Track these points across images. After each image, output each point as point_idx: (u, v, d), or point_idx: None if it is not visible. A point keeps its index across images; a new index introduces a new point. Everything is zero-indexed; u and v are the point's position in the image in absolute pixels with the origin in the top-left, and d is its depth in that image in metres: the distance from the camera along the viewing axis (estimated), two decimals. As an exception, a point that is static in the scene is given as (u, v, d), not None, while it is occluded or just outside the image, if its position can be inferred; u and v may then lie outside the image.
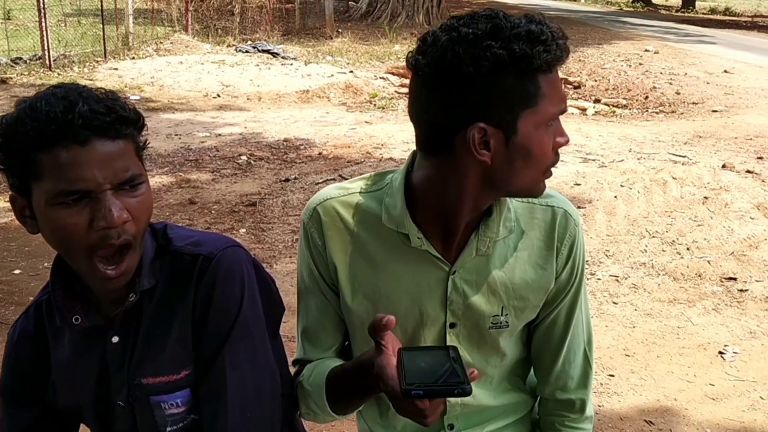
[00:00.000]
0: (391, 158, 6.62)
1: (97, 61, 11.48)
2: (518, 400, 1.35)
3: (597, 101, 10.01)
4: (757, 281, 4.28)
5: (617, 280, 4.35)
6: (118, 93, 1.10)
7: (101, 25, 12.02)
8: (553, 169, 1.14)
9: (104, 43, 11.85)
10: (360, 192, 1.24)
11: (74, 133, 0.99)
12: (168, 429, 1.19)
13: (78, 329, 1.16)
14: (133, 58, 11.91)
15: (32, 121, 0.99)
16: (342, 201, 1.23)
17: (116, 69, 11.02)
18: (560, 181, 5.63)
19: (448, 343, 1.23)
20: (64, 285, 1.16)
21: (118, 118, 1.03)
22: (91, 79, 10.36)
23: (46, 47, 10.83)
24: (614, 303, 4.08)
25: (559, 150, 1.13)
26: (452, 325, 1.23)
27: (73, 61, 11.34)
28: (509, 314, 1.23)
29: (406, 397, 0.94)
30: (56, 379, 1.22)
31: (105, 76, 10.62)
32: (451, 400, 1.27)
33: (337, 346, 1.30)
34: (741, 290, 4.19)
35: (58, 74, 10.63)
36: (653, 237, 4.86)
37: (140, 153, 1.09)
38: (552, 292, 1.24)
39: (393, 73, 11.15)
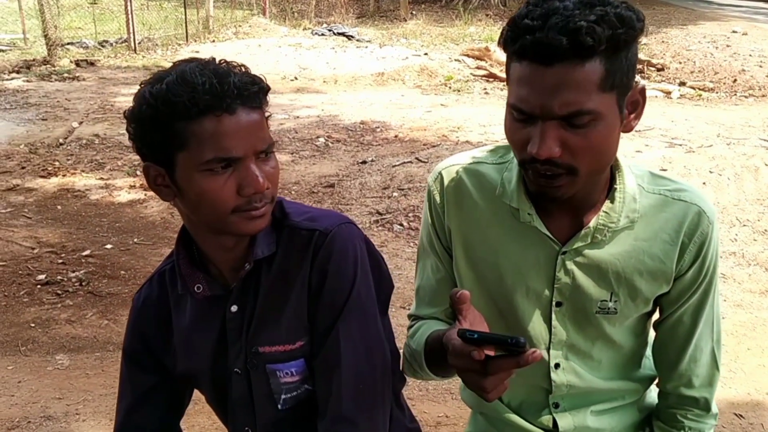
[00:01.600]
0: (467, 141, 6.57)
1: (179, 44, 11.80)
2: (628, 387, 1.32)
3: (682, 84, 9.64)
4: None
5: (705, 270, 4.20)
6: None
7: (183, 9, 12.33)
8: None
9: (186, 26, 12.15)
10: (485, 162, 1.26)
11: (227, 103, 1.05)
12: (283, 396, 1.23)
13: (199, 297, 1.21)
14: (214, 41, 12.19)
15: (187, 91, 1.03)
16: (467, 168, 1.26)
17: (198, 52, 11.28)
18: (645, 166, 5.47)
19: (554, 321, 1.23)
20: (188, 255, 1.22)
21: (260, 88, 1.09)
22: (174, 62, 10.65)
23: (131, 30, 11.19)
24: (702, 293, 3.95)
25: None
26: (558, 304, 1.22)
27: (157, 44, 11.69)
28: (618, 301, 1.20)
29: (461, 338, 0.93)
30: (176, 344, 1.28)
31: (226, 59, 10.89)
32: (558, 380, 1.26)
33: (447, 306, 1.31)
34: (840, 283, 4.00)
35: (143, 56, 10.98)
36: (744, 226, 4.67)
37: (268, 123, 1.15)
38: (677, 289, 1.21)
39: (468, 56, 11.01)
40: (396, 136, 6.99)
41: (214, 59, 1.11)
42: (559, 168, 1.05)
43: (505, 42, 1.03)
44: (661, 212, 1.18)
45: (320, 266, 1.17)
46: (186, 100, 1.03)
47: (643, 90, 1.08)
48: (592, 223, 1.16)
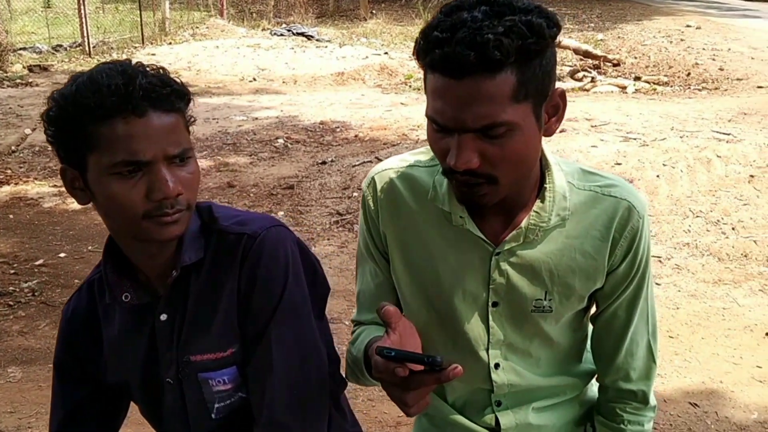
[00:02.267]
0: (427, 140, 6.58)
1: (135, 47, 11.63)
2: (568, 383, 1.33)
3: (637, 79, 9.79)
4: (805, 261, 4.18)
5: (660, 261, 4.27)
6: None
7: (138, 11, 12.16)
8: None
9: (141, 29, 12.00)
10: (418, 165, 1.25)
11: (134, 104, 1.02)
12: (216, 405, 1.21)
13: (127, 306, 1.19)
14: (170, 43, 12.04)
15: (93, 93, 1.02)
16: (399, 172, 1.25)
17: (154, 54, 11.13)
18: (600, 161, 5.54)
19: (491, 321, 1.24)
20: (115, 263, 1.19)
21: (173, 91, 1.07)
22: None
23: (85, 34, 11.01)
24: (657, 284, 4.01)
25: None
26: (494, 304, 1.22)
27: (112, 48, 11.51)
28: (553, 299, 1.21)
29: (379, 355, 0.95)
30: (107, 355, 1.25)
31: (143, 62, 10.75)
32: (498, 380, 1.27)
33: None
34: (789, 271, 4.09)
35: (98, 60, 10.74)
36: (697, 217, 4.76)
37: (188, 128, 1.12)
38: (610, 283, 1.22)
39: (428, 54, 11.04)
40: (356, 136, 6.98)
41: (129, 61, 1.09)
42: (479, 178, 1.05)
43: (417, 54, 1.03)
44: (592, 209, 1.18)
45: (249, 271, 1.15)
46: (92, 102, 1.02)
47: (562, 94, 1.08)
48: (523, 224, 1.16)
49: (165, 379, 1.21)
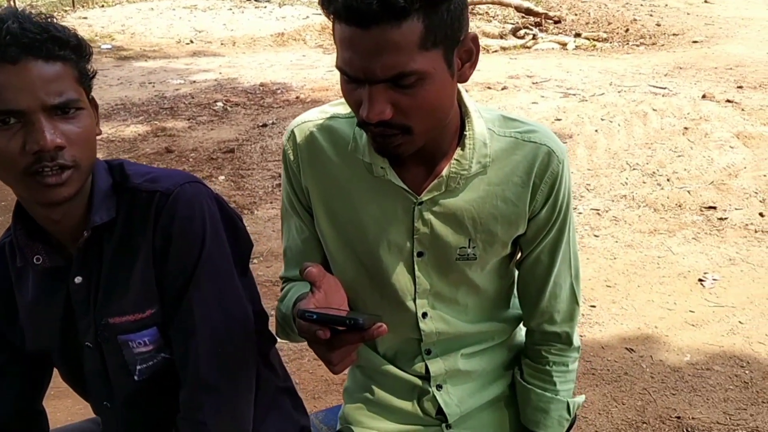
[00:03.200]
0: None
1: (66, 11, 11.17)
2: (496, 328, 1.34)
3: (577, 35, 9.88)
4: (736, 209, 4.31)
5: (598, 214, 4.36)
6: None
7: (67, -28, 11.66)
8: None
9: (71, -9, 11.51)
10: (338, 116, 1.22)
11: (3, 50, 0.97)
12: (138, 367, 1.18)
13: (40, 270, 1.15)
14: (103, 5, 11.60)
15: None
16: (319, 124, 1.22)
17: (85, 18, 10.72)
18: (541, 116, 5.59)
19: (417, 271, 1.23)
20: (26, 226, 1.13)
21: (50, 37, 1.00)
22: None
23: (10, -3, 10.51)
24: (595, 236, 4.10)
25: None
26: (419, 254, 1.21)
27: (41, 12, 11.01)
28: (477, 247, 1.21)
29: (301, 318, 0.94)
30: (23, 321, 1.21)
31: (74, 26, 10.22)
32: (426, 329, 1.27)
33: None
34: (720, 219, 4.22)
35: (25, 25, 10.34)
36: (634, 169, 4.86)
37: (85, 82, 1.06)
38: (532, 229, 1.22)
39: (370, 14, 10.91)
40: (297, 98, 6.87)
41: (10, 6, 1.02)
42: (393, 128, 1.02)
43: (321, 4, 0.99)
44: (513, 155, 1.17)
45: (163, 230, 1.11)
46: None
47: (475, 38, 1.05)
48: (444, 172, 1.15)
49: (84, 344, 1.18)
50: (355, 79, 1.00)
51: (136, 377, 1.18)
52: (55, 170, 1.01)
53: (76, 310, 1.16)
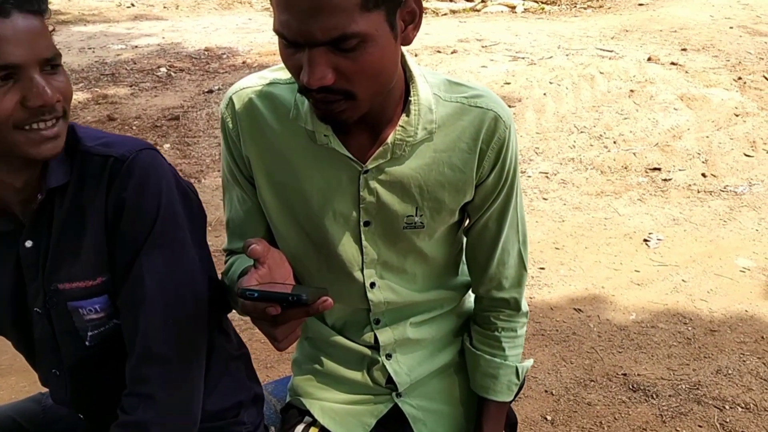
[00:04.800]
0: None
1: (-4, -28, 10.65)
2: (445, 296, 1.33)
3: (526, -2, 9.89)
4: (680, 170, 4.41)
5: (547, 177, 4.40)
6: None
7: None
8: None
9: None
10: (278, 83, 1.17)
11: (1, 5, 0.95)
12: (89, 333, 1.15)
13: None
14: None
15: None
16: (258, 91, 1.17)
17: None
18: (491, 80, 5.59)
19: (364, 241, 1.21)
20: None
21: None
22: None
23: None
24: (544, 199, 4.14)
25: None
26: (366, 223, 1.19)
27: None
28: (424, 215, 1.19)
29: (241, 297, 0.91)
30: None
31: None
32: (374, 299, 1.25)
33: (261, 236, 1.25)
34: (665, 180, 4.31)
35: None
36: (581, 132, 4.91)
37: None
38: (480, 195, 1.20)
39: (317, -24, 10.70)
40: (244, 62, 6.72)
41: None
42: (335, 94, 0.99)
43: None
44: (459, 120, 1.15)
45: (116, 196, 1.07)
46: None
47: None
48: (389, 139, 1.12)
49: (33, 309, 1.14)
50: (293, 42, 0.95)
51: (87, 343, 1.15)
52: (51, 123, 1.01)
53: (25, 274, 1.13)
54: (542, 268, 3.43)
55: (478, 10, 9.24)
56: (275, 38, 0.99)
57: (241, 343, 1.40)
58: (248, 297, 0.90)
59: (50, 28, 1.04)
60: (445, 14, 8.91)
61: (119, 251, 1.10)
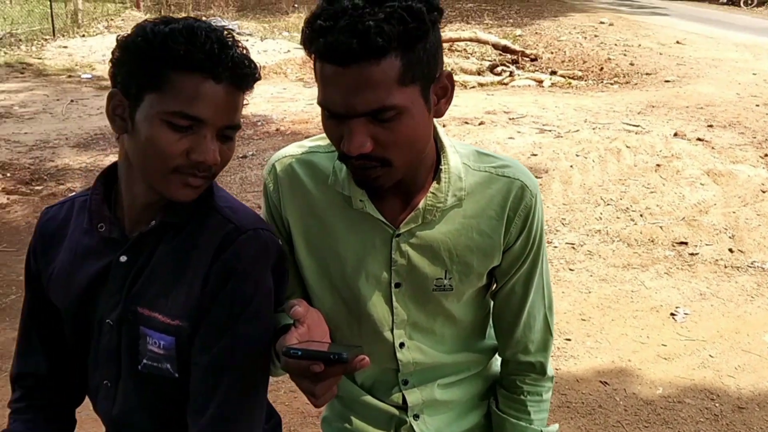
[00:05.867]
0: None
1: (46, 39, 11.17)
2: (472, 359, 1.37)
3: (553, 73, 10.09)
4: (706, 245, 4.41)
5: (573, 248, 4.43)
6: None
7: (49, 2, 11.66)
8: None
9: (52, 20, 11.53)
10: (317, 151, 1.26)
11: (219, 71, 1.06)
12: (144, 361, 1.20)
13: (97, 236, 1.19)
14: (83, 35, 11.61)
15: (187, 43, 1.04)
16: (299, 159, 1.26)
17: (66, 47, 10.72)
18: (517, 151, 5.68)
19: (394, 302, 1.26)
20: (104, 193, 1.20)
21: (252, 73, 1.11)
22: (40, 58, 10.07)
23: (-10, 25, 10.49)
24: (570, 270, 4.16)
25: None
26: (397, 285, 1.25)
27: (20, 40, 11.02)
28: (453, 278, 1.24)
29: (286, 356, 0.98)
30: (56, 273, 1.25)
31: (54, 55, 10.33)
32: (404, 359, 1.29)
33: (297, 296, 1.31)
34: (692, 254, 4.31)
35: (5, 53, 10.30)
36: (608, 204, 4.95)
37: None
38: (507, 260, 1.25)
39: (350, 48, 11.04)
40: (277, 130, 6.92)
41: (224, 27, 1.11)
42: (372, 161, 1.07)
43: (304, 43, 1.04)
44: (487, 189, 1.21)
45: (227, 262, 1.14)
46: (182, 50, 1.04)
47: (450, 76, 1.11)
48: (420, 205, 1.19)
49: (105, 320, 1.20)
50: (336, 114, 1.04)
51: (139, 367, 1.20)
52: (200, 177, 1.11)
53: (109, 284, 1.19)
54: (568, 339, 3.42)
55: (506, 84, 9.45)
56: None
57: (271, 405, 1.44)
58: (292, 355, 0.97)
59: (246, 102, 1.15)
60: (473, 87, 9.13)
61: (215, 313, 1.15)
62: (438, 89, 1.09)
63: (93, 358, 1.25)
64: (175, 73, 1.06)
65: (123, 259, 1.18)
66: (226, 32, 1.10)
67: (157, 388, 1.21)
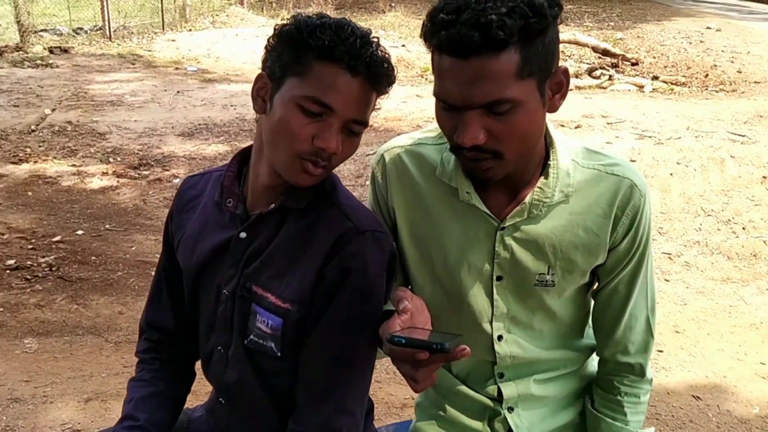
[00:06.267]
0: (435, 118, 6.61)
1: (155, 33, 11.70)
2: (570, 356, 1.38)
3: (655, 78, 9.76)
4: (815, 263, 4.19)
5: (670, 258, 4.30)
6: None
7: (159, -3, 12.23)
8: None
9: (162, 14, 12.07)
10: (426, 143, 1.30)
11: (356, 64, 1.11)
12: (251, 336, 1.27)
13: (225, 210, 1.28)
14: (190, 30, 12.11)
15: (332, 35, 1.11)
16: (407, 149, 1.30)
17: (174, 41, 11.21)
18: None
19: (495, 295, 1.28)
20: (237, 171, 1.29)
21: (388, 75, 1.16)
22: (150, 50, 10.57)
23: (106, 18, 11.08)
24: (666, 280, 4.04)
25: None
26: (499, 278, 1.27)
27: (132, 32, 11.58)
28: (556, 274, 1.25)
29: (390, 343, 1.02)
30: (185, 237, 1.35)
31: (163, 47, 10.82)
32: (501, 351, 1.31)
33: (398, 283, 1.35)
34: (798, 271, 4.10)
35: (118, 44, 10.88)
36: (708, 216, 4.77)
37: (372, 110, 1.20)
38: (612, 259, 1.26)
39: (446, 48, 11.04)
40: (371, 126, 6.98)
41: (370, 31, 1.17)
42: (485, 153, 1.09)
43: (424, 36, 1.08)
44: (595, 186, 1.22)
45: (344, 260, 1.18)
46: (327, 41, 1.10)
47: (565, 71, 1.12)
48: (527, 199, 1.21)
49: (222, 290, 1.29)
50: (452, 106, 1.07)
51: (245, 342, 1.27)
52: (319, 165, 1.16)
53: (228, 256, 1.27)
54: (661, 351, 3.33)
55: (605, 88, 9.21)
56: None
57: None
58: (396, 343, 1.01)
59: (377, 105, 1.20)
60: (571, 90, 8.90)
61: (332, 308, 1.20)
62: (553, 84, 1.11)
63: (208, 322, 1.33)
64: (318, 61, 1.12)
65: (243, 235, 1.26)
66: (372, 36, 1.15)
67: (262, 362, 1.27)
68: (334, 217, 1.22)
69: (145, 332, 1.45)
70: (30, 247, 4.27)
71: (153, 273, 1.49)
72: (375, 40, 1.15)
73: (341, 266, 1.18)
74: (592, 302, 1.37)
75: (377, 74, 1.13)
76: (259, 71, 1.20)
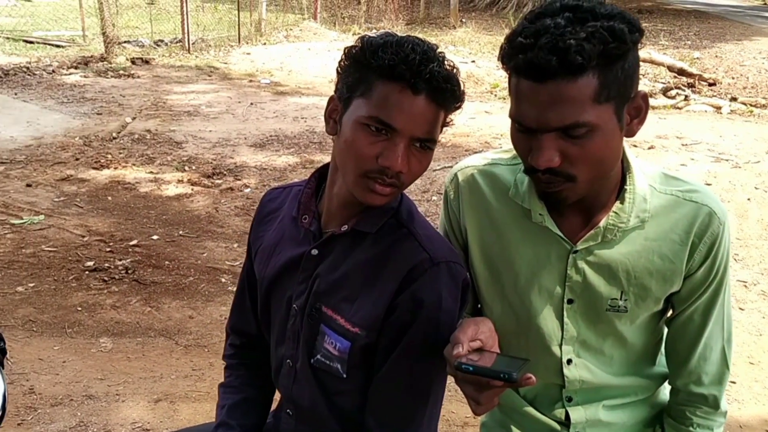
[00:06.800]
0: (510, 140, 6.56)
1: (232, 46, 12.04)
2: (640, 383, 1.35)
3: (733, 99, 9.45)
4: None
5: (745, 286, 4.14)
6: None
7: (237, 12, 12.59)
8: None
9: (239, 28, 12.41)
10: (499, 163, 1.31)
11: (416, 82, 1.12)
12: (317, 356, 1.29)
13: (301, 226, 1.31)
14: (265, 43, 12.41)
15: (393, 54, 1.12)
16: (481, 170, 1.31)
17: (249, 54, 11.50)
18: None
19: (565, 318, 1.27)
20: (315, 188, 1.32)
21: (451, 90, 1.15)
22: (226, 62, 10.89)
23: (185, 31, 11.47)
24: (741, 309, 3.90)
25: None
26: (570, 301, 1.26)
27: (210, 45, 11.95)
28: (628, 300, 1.24)
29: (457, 370, 1.01)
30: (260, 248, 1.40)
31: (238, 60, 11.12)
32: (570, 375, 1.31)
33: (470, 304, 1.36)
34: None
35: (196, 56, 11.24)
36: (788, 244, 4.58)
37: (444, 126, 1.21)
38: (687, 287, 1.24)
39: (516, 65, 10.97)
40: (438, 141, 7.00)
41: (436, 46, 1.17)
42: (558, 176, 1.09)
43: (502, 59, 1.08)
44: (672, 212, 1.20)
45: (417, 292, 1.19)
46: (387, 60, 1.12)
47: (645, 96, 1.11)
48: (602, 223, 1.20)
49: (293, 304, 1.31)
50: (527, 129, 1.08)
51: (312, 361, 1.29)
52: (386, 184, 1.16)
53: (299, 272, 1.30)
54: (733, 382, 3.22)
55: (680, 108, 8.97)
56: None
57: None
58: (463, 370, 1.02)
59: (449, 120, 1.20)
60: (644, 110, 8.72)
61: (408, 341, 1.20)
62: (632, 109, 1.10)
63: (278, 334, 1.36)
64: (380, 81, 1.13)
65: (314, 252, 1.28)
66: (438, 51, 1.15)
67: (326, 381, 1.29)
68: (409, 246, 1.22)
69: (230, 336, 1.52)
70: (108, 249, 4.45)
71: (222, 280, 1.56)
72: (441, 55, 1.15)
73: (414, 297, 1.18)
74: (666, 330, 1.34)
75: (440, 91, 1.13)
76: (330, 84, 1.23)
